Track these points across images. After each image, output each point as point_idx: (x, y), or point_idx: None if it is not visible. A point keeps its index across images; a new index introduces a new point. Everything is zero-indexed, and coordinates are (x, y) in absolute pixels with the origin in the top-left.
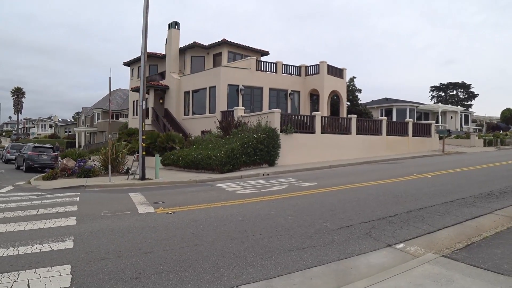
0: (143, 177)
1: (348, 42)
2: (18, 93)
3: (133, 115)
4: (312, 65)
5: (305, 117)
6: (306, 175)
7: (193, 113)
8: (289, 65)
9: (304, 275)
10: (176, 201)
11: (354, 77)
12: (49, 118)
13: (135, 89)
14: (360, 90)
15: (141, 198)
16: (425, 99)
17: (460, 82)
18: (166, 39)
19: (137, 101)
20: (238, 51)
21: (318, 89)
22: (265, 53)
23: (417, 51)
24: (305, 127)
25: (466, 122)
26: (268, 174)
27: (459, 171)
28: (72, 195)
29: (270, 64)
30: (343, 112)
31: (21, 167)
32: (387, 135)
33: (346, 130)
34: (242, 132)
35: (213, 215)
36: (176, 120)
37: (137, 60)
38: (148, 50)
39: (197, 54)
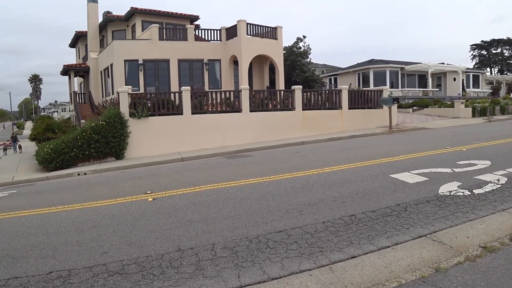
0: None
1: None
2: (35, 80)
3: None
4: (232, 26)
5: (171, 94)
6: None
7: (107, 95)
8: (205, 29)
9: None
10: None
11: (303, 37)
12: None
13: (64, 72)
14: (306, 53)
15: None
16: (466, 60)
17: (505, 38)
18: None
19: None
20: (157, 19)
21: (237, 55)
22: (194, 19)
23: (462, 8)
24: (172, 107)
25: (477, 85)
26: (85, 173)
27: (287, 178)
28: None
29: (177, 31)
30: (279, 82)
31: None
32: (303, 109)
33: (237, 107)
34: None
35: None
36: (94, 105)
37: (79, 37)
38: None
39: (118, 28)
